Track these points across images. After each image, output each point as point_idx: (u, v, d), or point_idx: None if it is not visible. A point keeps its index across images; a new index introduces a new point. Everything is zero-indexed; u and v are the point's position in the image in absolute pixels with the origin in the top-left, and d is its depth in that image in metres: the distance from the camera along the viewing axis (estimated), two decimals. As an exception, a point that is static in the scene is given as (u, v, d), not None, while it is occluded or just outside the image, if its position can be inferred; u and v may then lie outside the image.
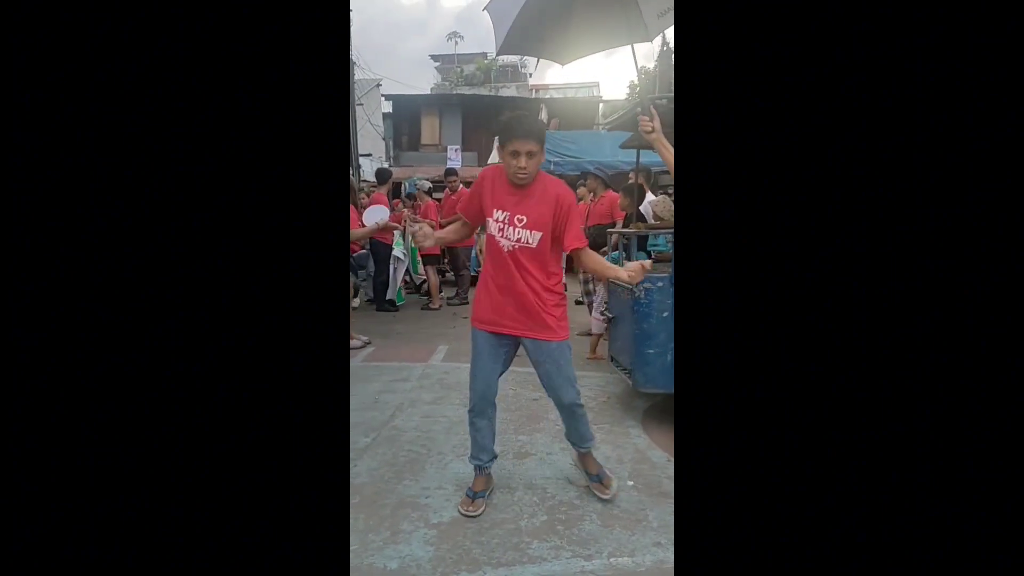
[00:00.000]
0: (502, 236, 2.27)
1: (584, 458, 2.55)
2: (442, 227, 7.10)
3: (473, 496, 2.42)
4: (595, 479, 2.50)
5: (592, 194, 6.14)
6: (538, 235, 2.25)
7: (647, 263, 2.35)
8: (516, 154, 2.18)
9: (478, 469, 2.50)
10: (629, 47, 3.26)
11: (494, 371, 2.40)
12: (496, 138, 2.33)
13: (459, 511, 2.36)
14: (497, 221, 2.26)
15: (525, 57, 28.49)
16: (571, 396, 2.38)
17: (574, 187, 8.25)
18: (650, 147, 4.62)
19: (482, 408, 2.42)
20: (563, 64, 3.59)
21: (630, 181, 5.15)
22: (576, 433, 2.50)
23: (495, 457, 2.53)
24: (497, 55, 3.58)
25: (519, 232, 2.25)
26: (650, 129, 2.35)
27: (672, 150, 2.31)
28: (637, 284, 2.92)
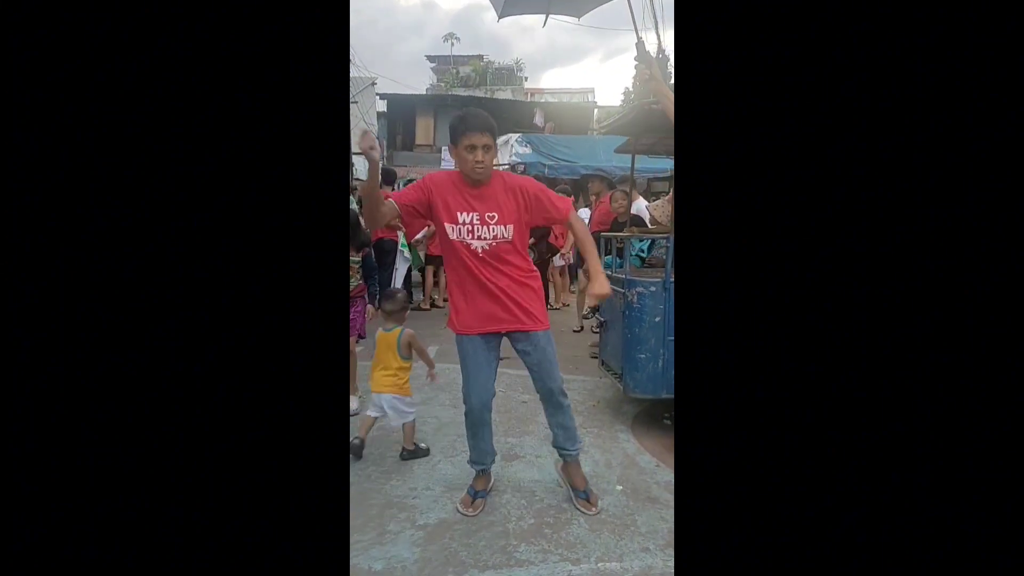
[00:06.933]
0: (474, 238, 2.25)
1: (571, 468, 2.48)
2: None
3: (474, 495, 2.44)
4: (582, 495, 2.43)
5: (596, 197, 5.63)
6: (511, 227, 2.27)
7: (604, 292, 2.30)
8: (472, 148, 2.18)
9: (482, 471, 2.49)
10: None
11: (490, 375, 2.37)
12: (450, 139, 2.27)
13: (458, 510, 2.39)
14: (464, 224, 2.24)
15: (521, 59, 28.48)
16: (558, 381, 2.37)
17: (576, 191, 7.90)
18: (645, 152, 4.66)
19: (482, 415, 2.38)
20: (579, 17, 3.40)
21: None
22: (564, 430, 2.43)
23: (495, 455, 2.54)
24: (500, 19, 3.37)
25: (494, 229, 2.25)
26: (648, 76, 2.35)
27: (672, 96, 2.30)
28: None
